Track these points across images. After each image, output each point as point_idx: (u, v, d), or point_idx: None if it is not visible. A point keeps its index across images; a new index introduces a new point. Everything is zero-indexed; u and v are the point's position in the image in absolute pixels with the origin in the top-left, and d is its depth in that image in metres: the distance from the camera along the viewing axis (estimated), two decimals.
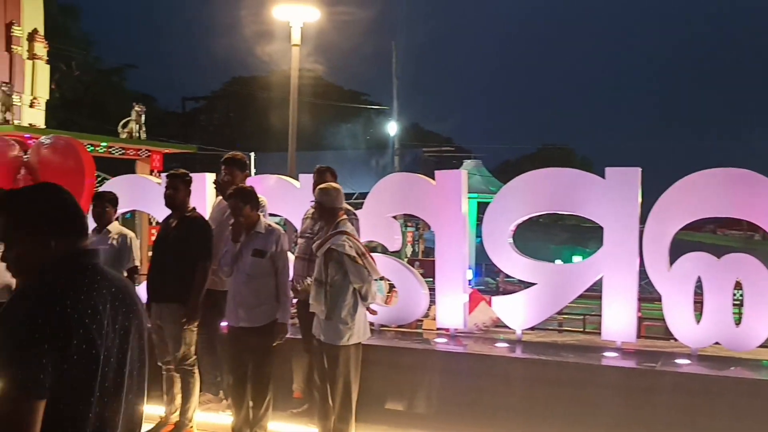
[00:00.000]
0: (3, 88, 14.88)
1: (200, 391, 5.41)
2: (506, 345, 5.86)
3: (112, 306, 1.92)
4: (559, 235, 23.72)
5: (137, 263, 5.64)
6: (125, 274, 5.56)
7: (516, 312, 6.04)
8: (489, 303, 6.47)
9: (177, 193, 5.27)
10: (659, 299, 5.63)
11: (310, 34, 11.60)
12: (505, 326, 6.23)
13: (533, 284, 6.02)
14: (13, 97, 15.29)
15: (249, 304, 4.98)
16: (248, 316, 4.98)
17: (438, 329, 6.32)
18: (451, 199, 6.16)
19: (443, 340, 6.10)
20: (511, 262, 6.10)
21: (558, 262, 11.10)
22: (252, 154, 24.23)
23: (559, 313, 6.90)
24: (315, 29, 12.43)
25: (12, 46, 20.21)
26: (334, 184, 5.07)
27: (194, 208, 5.42)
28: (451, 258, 6.18)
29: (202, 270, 5.15)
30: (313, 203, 5.01)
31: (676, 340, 5.69)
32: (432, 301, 6.47)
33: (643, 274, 5.68)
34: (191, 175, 5.51)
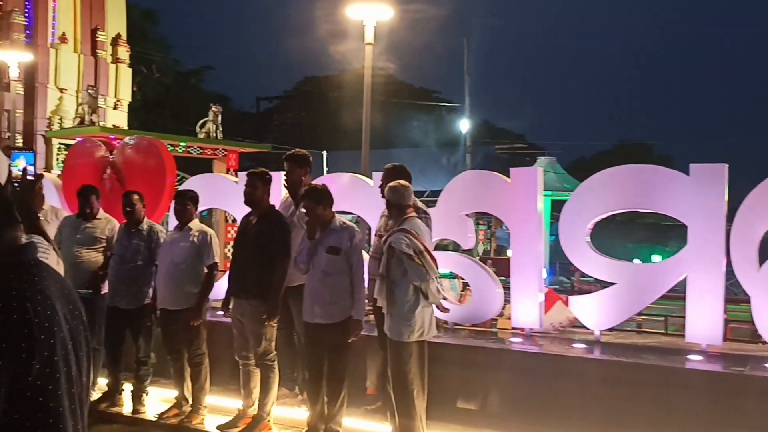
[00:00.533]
0: (89, 91, 15.58)
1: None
2: (584, 346, 5.73)
3: (63, 305, 1.65)
4: (637, 234, 23.04)
5: (217, 260, 5.79)
6: (206, 270, 5.72)
7: (594, 312, 5.90)
8: (565, 303, 6.34)
9: (256, 191, 5.37)
10: (747, 301, 5.40)
11: (382, 32, 11.64)
12: (583, 327, 6.09)
13: (611, 284, 5.87)
14: (98, 99, 15.97)
15: (324, 301, 5.04)
16: (324, 313, 5.04)
17: (513, 329, 6.24)
18: (526, 196, 6.07)
19: (518, 339, 6.02)
20: (589, 261, 5.97)
21: (636, 261, 10.78)
22: (324, 153, 24.55)
23: (638, 314, 6.70)
24: (387, 27, 12.47)
25: (97, 51, 21.19)
26: (403, 182, 5.08)
27: (273, 206, 5.51)
28: (526, 256, 6.09)
29: (282, 267, 5.22)
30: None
31: (765, 343, 5.44)
32: (507, 300, 6.40)
33: (729, 274, 5.45)
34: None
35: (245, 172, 5.75)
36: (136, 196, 6.10)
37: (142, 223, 6.06)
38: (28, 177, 2.44)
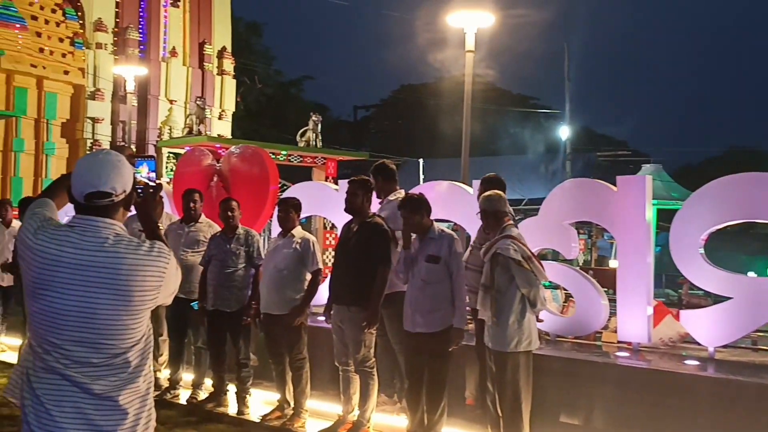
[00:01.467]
0: (198, 102, 16.30)
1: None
2: (696, 363, 5.45)
3: None
4: (751, 245, 21.73)
5: (320, 265, 5.89)
6: (309, 276, 5.83)
7: (708, 327, 5.60)
8: (676, 317, 6.06)
9: (357, 199, 5.42)
10: None
11: (481, 38, 11.53)
12: (694, 342, 5.80)
13: (725, 298, 5.56)
14: (205, 110, 16.66)
15: (425, 310, 5.02)
16: (425, 322, 5.02)
17: (619, 342, 6.02)
18: (634, 205, 5.84)
19: (625, 354, 5.79)
20: (702, 274, 5.67)
21: (751, 274, 10.19)
22: (420, 161, 24.60)
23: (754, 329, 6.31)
24: (487, 34, 12.37)
25: (204, 64, 22.12)
26: (496, 191, 5.03)
27: (374, 214, 5.54)
28: (634, 268, 5.85)
29: (382, 274, 5.24)
30: (479, 213, 4.99)
31: None
32: (612, 312, 6.17)
33: None
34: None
35: (346, 180, 5.82)
36: (234, 203, 6.30)
37: (238, 228, 6.25)
38: (150, 184, 2.57)
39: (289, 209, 5.97)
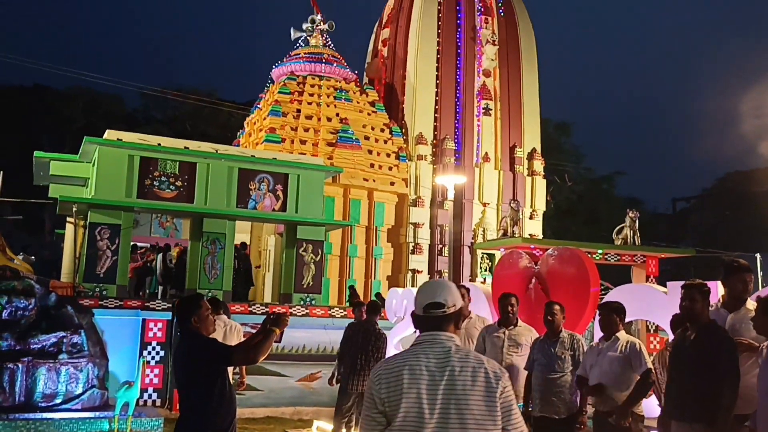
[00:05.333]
0: (512, 204, 16.75)
1: None
2: None
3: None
4: None
5: (650, 366, 5.56)
6: (637, 377, 5.55)
7: None
8: None
9: (695, 305, 5.01)
10: None
11: None
12: None
13: None
14: (519, 212, 17.02)
15: None
16: None
17: None
18: None
19: None
20: None
21: None
22: (757, 256, 22.01)
23: None
24: None
25: (515, 166, 22.80)
26: None
27: (714, 321, 5.03)
28: None
29: (731, 388, 4.67)
30: None
31: None
32: None
33: None
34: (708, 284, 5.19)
35: (680, 284, 5.41)
36: (557, 306, 6.24)
37: (562, 331, 6.13)
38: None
39: (611, 313, 5.80)
